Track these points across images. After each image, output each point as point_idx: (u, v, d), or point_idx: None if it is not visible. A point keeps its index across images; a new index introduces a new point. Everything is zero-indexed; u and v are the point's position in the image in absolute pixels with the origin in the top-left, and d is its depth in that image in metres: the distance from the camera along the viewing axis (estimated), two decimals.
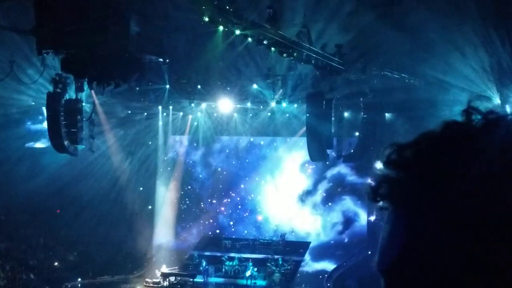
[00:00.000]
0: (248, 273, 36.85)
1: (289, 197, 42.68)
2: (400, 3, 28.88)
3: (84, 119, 31.63)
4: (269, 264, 37.79)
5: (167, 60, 26.93)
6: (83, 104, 31.12)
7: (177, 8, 25.41)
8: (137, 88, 34.98)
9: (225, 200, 44.66)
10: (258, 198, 43.91)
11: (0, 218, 37.21)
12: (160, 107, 41.12)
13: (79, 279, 36.00)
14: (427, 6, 27.94)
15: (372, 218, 38.87)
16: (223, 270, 37.70)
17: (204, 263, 37.63)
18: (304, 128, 34.10)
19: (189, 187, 45.04)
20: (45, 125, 29.75)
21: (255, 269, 37.06)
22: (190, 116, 42.36)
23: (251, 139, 43.56)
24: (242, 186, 44.48)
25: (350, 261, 38.17)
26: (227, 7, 23.27)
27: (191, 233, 43.33)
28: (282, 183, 43.20)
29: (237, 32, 24.16)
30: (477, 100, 1.26)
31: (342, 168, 40.51)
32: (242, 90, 36.46)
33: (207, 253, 39.81)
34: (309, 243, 40.86)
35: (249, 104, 38.37)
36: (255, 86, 35.46)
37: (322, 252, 39.40)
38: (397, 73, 32.47)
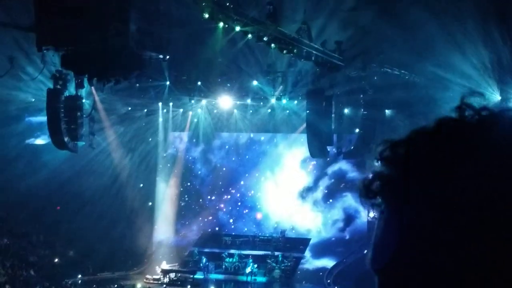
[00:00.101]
0: (248, 270, 36.89)
1: (290, 193, 42.64)
2: (400, 0, 28.86)
3: (84, 115, 31.64)
4: (269, 261, 37.82)
5: (167, 57, 26.89)
6: (83, 100, 31.14)
7: (178, 4, 25.39)
8: (137, 85, 34.95)
9: (225, 197, 44.67)
10: (258, 195, 43.90)
11: (0, 215, 37.20)
12: (160, 104, 41.11)
13: (80, 276, 36.03)
14: (427, 3, 27.91)
15: (372, 215, 38.85)
16: (223, 266, 37.73)
17: (204, 260, 37.67)
18: (304, 125, 34.08)
19: (189, 183, 45.07)
20: (45, 118, 29.72)
21: (255, 265, 37.10)
22: (190, 113, 42.35)
23: (251, 135, 43.53)
24: (242, 182, 44.49)
25: (350, 258, 38.16)
26: (227, 4, 23.26)
27: (191, 230, 43.35)
28: (283, 179, 43.16)
29: (237, 28, 24.15)
30: (470, 97, 1.25)
31: (343, 165, 40.45)
32: (242, 87, 36.46)
33: (207, 250, 39.85)
34: (309, 239, 40.89)
35: (249, 101, 38.37)
36: (255, 82, 35.44)
37: (323, 249, 39.35)
38: (397, 69, 32.45)
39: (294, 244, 40.33)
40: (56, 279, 33.94)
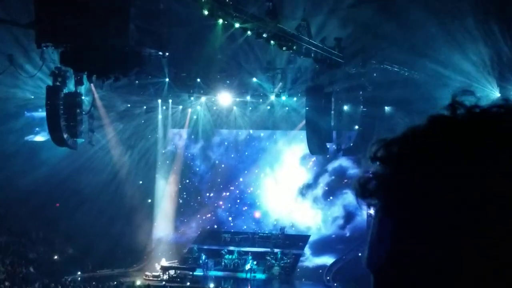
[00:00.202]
0: (247, 267, 36.91)
1: (289, 190, 42.59)
2: None
3: (84, 112, 31.64)
4: (268, 258, 37.85)
5: (167, 54, 26.91)
6: (83, 97, 31.15)
7: (177, 1, 25.38)
8: (137, 82, 34.93)
9: (224, 194, 44.62)
10: (257, 192, 43.87)
11: (0, 212, 37.22)
12: (159, 101, 41.08)
13: (79, 272, 36.07)
14: (427, 1, 27.91)
15: (372, 211, 38.86)
16: (223, 263, 37.76)
17: (203, 257, 37.70)
18: (304, 122, 34.08)
19: (188, 180, 45.05)
20: (45, 113, 29.76)
21: (255, 262, 37.12)
22: (189, 110, 42.31)
23: (251, 132, 43.48)
24: (241, 179, 44.45)
25: (350, 255, 38.16)
26: (227, 1, 23.24)
27: (190, 227, 43.35)
28: (282, 176, 43.11)
29: (237, 25, 24.13)
30: (462, 95, 1.26)
31: (343, 161, 40.38)
32: (241, 84, 36.44)
33: (206, 247, 39.87)
34: (308, 236, 40.88)
35: (248, 98, 38.33)
36: (254, 79, 35.43)
37: (323, 246, 39.27)
38: (397, 66, 32.44)
39: (294, 241, 40.33)
40: (55, 276, 33.96)
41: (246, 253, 38.08)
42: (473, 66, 29.85)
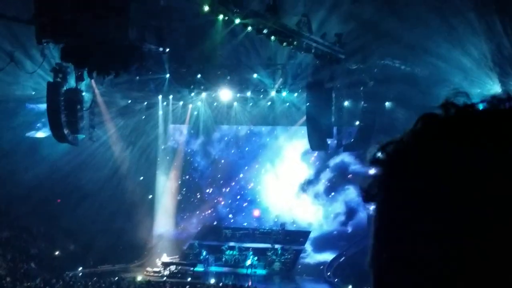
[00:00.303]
0: (248, 262, 36.95)
1: (290, 186, 42.56)
2: None
3: (84, 108, 31.63)
4: (269, 253, 37.88)
5: (167, 50, 26.88)
6: (83, 93, 31.13)
7: None
8: (137, 78, 34.92)
9: (224, 190, 44.61)
10: (258, 188, 43.86)
11: (0, 208, 37.24)
12: (160, 97, 41.06)
13: (80, 268, 36.11)
14: None
15: (373, 207, 38.84)
16: (223, 259, 37.81)
17: (204, 253, 37.74)
18: (304, 117, 34.08)
19: (189, 177, 45.06)
20: (45, 106, 29.77)
21: (255, 258, 37.15)
22: (190, 106, 42.32)
23: (251, 127, 43.43)
24: (241, 175, 44.44)
25: (350, 251, 38.19)
26: None
27: (190, 223, 43.38)
28: (283, 172, 43.07)
29: (237, 21, 24.09)
30: (455, 97, 1.26)
31: (345, 157, 40.31)
32: (242, 79, 36.42)
33: (207, 243, 39.90)
34: (309, 232, 40.90)
35: (249, 93, 38.32)
36: (255, 75, 35.41)
37: (325, 242, 39.23)
38: (397, 62, 32.41)
39: (294, 237, 40.36)
40: (56, 272, 34.01)
41: (247, 249, 38.11)
42: (474, 61, 29.81)
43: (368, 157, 1.28)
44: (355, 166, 40.39)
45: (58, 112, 28.97)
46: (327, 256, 38.19)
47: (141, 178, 43.07)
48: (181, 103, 42.26)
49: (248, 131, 43.71)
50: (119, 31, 21.79)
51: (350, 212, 40.48)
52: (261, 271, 37.19)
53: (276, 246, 38.47)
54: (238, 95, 39.03)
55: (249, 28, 24.95)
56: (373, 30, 29.73)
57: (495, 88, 30.32)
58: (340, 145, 37.15)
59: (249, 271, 36.75)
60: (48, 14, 21.85)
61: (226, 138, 44.35)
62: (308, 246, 39.66)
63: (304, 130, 33.85)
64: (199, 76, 35.24)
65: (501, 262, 1.12)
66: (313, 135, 31.73)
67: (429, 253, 1.16)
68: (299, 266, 38.26)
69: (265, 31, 24.80)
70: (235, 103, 40.93)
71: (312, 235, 40.52)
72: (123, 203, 40.67)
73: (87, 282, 31.32)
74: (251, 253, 37.37)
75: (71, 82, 29.53)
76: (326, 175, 42.00)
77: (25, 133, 40.34)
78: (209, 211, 43.95)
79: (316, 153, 40.29)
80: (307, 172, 42.61)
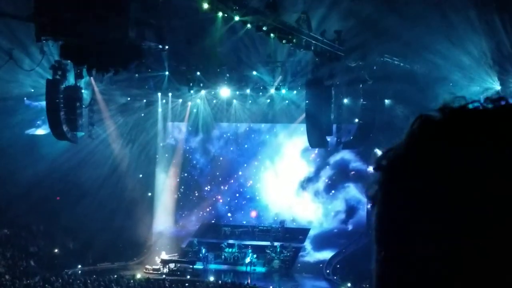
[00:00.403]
0: (247, 260, 36.96)
1: (290, 184, 42.47)
2: None
3: (84, 106, 31.63)
4: (268, 251, 37.88)
5: (167, 47, 26.85)
6: (83, 91, 31.14)
7: None
8: (137, 75, 34.92)
9: (223, 188, 44.57)
10: (257, 186, 43.81)
11: (0, 206, 37.23)
12: (159, 94, 41.06)
13: (79, 266, 36.13)
14: None
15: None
16: (223, 257, 37.81)
17: (203, 250, 37.74)
18: (303, 115, 34.08)
19: (188, 174, 45.02)
20: (44, 103, 29.78)
21: (255, 256, 37.16)
22: (189, 103, 42.31)
23: (251, 124, 43.37)
24: (240, 173, 44.39)
25: (350, 248, 38.19)
26: None
27: (190, 221, 43.37)
28: (282, 169, 42.99)
29: (237, 18, 24.08)
30: (454, 101, 1.26)
31: (346, 154, 40.25)
32: (241, 77, 36.41)
33: (206, 240, 39.90)
34: (308, 229, 40.86)
35: (248, 91, 38.31)
36: (254, 72, 35.40)
37: (325, 241, 39.14)
38: (397, 59, 32.39)
39: (294, 234, 40.35)
40: (56, 270, 34.00)
41: (246, 246, 38.12)
42: (473, 59, 29.80)
43: (372, 164, 1.28)
44: (355, 163, 40.34)
45: (57, 109, 28.98)
46: (327, 255, 38.12)
47: (141, 175, 43.08)
48: (180, 100, 42.25)
49: (247, 128, 43.63)
50: (119, 29, 21.76)
51: (351, 210, 40.41)
52: (260, 269, 37.20)
53: (276, 243, 38.46)
54: (238, 92, 39.03)
55: (249, 26, 24.94)
56: (373, 27, 29.69)
57: (495, 86, 30.32)
58: (340, 142, 37.12)
59: (248, 268, 36.76)
60: (48, 12, 21.83)
61: (225, 135, 44.29)
62: (308, 245, 39.59)
63: (303, 127, 33.82)
64: (198, 73, 35.22)
65: (500, 261, 1.11)
66: (312, 133, 31.71)
67: (428, 253, 1.16)
68: (299, 265, 38.23)
69: (264, 28, 24.79)
70: (235, 101, 40.93)
71: (312, 233, 40.45)
72: (123, 200, 40.68)
73: (87, 280, 31.31)
74: (250, 250, 37.39)
75: (70, 80, 29.53)
76: (326, 173, 41.90)
77: (24, 131, 40.31)
78: (208, 209, 43.92)
79: (316, 150, 40.16)
80: (306, 169, 42.53)
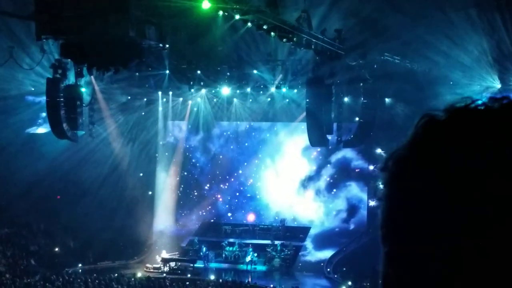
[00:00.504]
0: (248, 259, 36.97)
1: (291, 182, 42.41)
2: None
3: (84, 105, 31.63)
4: (269, 250, 37.89)
5: (167, 46, 26.84)
6: (83, 89, 31.14)
7: None
8: (137, 74, 34.91)
9: (224, 186, 44.54)
10: (258, 184, 43.78)
11: (0, 204, 37.25)
12: (160, 93, 41.05)
13: (80, 265, 36.12)
14: None
15: (373, 203, 38.83)
16: (223, 255, 37.82)
17: (204, 249, 37.74)
18: (304, 114, 34.07)
19: (188, 173, 45.02)
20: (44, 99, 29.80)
21: (255, 254, 37.17)
22: (190, 102, 42.30)
23: (251, 123, 43.32)
24: (240, 171, 44.36)
25: (350, 247, 38.20)
26: None
27: (190, 219, 43.37)
28: (283, 168, 42.94)
29: (237, 17, 24.07)
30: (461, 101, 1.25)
31: (347, 153, 40.18)
32: (242, 75, 36.38)
33: (207, 239, 39.90)
34: (309, 228, 40.86)
35: (249, 89, 38.29)
36: (255, 71, 35.38)
37: (326, 240, 39.04)
38: (397, 58, 32.38)
39: (294, 233, 40.34)
40: (56, 268, 34.01)
41: (247, 245, 38.13)
42: (474, 58, 29.80)
43: (373, 163, 1.29)
44: (357, 161, 40.28)
45: (57, 108, 28.99)
46: (328, 254, 38.03)
47: (141, 174, 43.08)
48: (181, 99, 42.25)
49: (247, 126, 43.58)
50: (119, 28, 21.76)
51: (352, 209, 40.35)
52: (261, 267, 37.21)
53: (276, 242, 38.47)
54: (238, 91, 39.01)
55: (249, 24, 24.92)
56: (373, 26, 29.69)
57: (495, 84, 30.32)
58: (340, 141, 37.09)
59: (249, 267, 36.78)
60: (48, 10, 21.83)
61: (225, 133, 44.26)
62: (309, 244, 39.54)
63: (304, 126, 33.80)
64: (199, 72, 35.20)
65: (500, 261, 1.11)
66: (313, 131, 31.70)
67: (428, 253, 1.16)
68: (300, 264, 38.18)
69: (265, 27, 24.79)
70: (235, 99, 40.92)
71: (313, 232, 40.42)
72: (123, 199, 40.70)
73: (87, 279, 31.32)
74: (251, 249, 37.39)
75: (71, 78, 29.52)
76: (328, 171, 41.80)
77: (24, 130, 40.30)
78: (208, 208, 43.92)
79: (318, 149, 40.05)
80: (307, 168, 42.47)
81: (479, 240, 1.12)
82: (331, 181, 41.67)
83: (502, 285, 1.12)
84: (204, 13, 23.66)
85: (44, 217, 38.43)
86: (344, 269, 35.64)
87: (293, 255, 38.28)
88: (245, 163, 44.07)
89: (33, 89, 35.85)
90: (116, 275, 33.16)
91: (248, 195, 43.74)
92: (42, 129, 39.39)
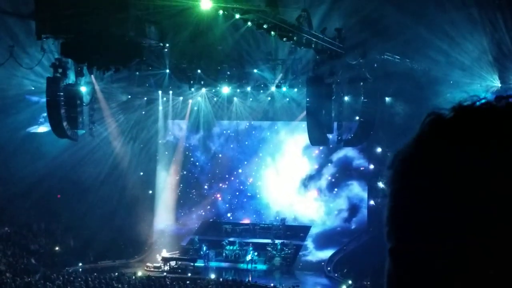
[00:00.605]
0: (248, 258, 36.96)
1: (291, 181, 42.38)
2: None
3: (84, 104, 31.64)
4: (269, 249, 37.88)
5: (167, 45, 26.86)
6: (83, 89, 31.14)
7: None
8: (137, 73, 34.91)
9: (224, 185, 44.53)
10: (258, 183, 43.77)
11: (1, 204, 37.25)
12: (160, 92, 41.04)
13: (80, 264, 36.12)
14: None
15: (373, 202, 38.84)
16: (224, 254, 37.82)
17: (204, 248, 37.74)
18: (304, 113, 34.05)
19: (188, 172, 45.02)
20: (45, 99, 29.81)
21: (256, 253, 37.17)
22: (190, 101, 42.30)
23: (251, 121, 43.29)
24: (240, 170, 44.34)
25: (351, 245, 38.19)
26: None
27: (190, 218, 43.38)
28: (284, 166, 42.90)
29: (237, 16, 24.07)
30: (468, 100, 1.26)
31: (349, 151, 40.13)
32: (242, 74, 36.35)
33: (207, 238, 39.90)
34: (309, 227, 40.85)
35: (249, 89, 38.29)
36: (255, 70, 35.37)
37: (327, 240, 38.98)
38: (398, 57, 32.37)
39: (295, 232, 40.34)
40: (57, 267, 34.03)
41: (247, 244, 38.12)
42: (474, 57, 29.78)
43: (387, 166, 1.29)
44: (359, 160, 40.23)
45: (57, 107, 29.00)
46: (330, 254, 37.98)
47: (141, 173, 43.09)
48: (181, 98, 42.25)
49: (247, 125, 43.55)
50: (120, 27, 21.78)
51: (353, 209, 40.31)
52: (261, 266, 37.21)
53: (277, 241, 38.47)
54: (238, 90, 39.01)
55: (249, 23, 24.92)
56: (373, 25, 29.67)
57: (495, 83, 30.31)
58: (340, 140, 37.08)
59: (249, 266, 36.78)
60: (48, 9, 21.84)
61: (225, 132, 44.26)
62: (310, 244, 39.50)
63: (305, 124, 33.79)
64: (199, 71, 35.19)
65: (504, 260, 1.12)
66: (313, 130, 31.69)
67: (433, 251, 1.16)
68: (301, 264, 38.14)
69: (265, 26, 24.76)
70: (235, 98, 40.92)
71: (314, 232, 40.39)
72: (123, 198, 40.70)
73: (87, 278, 31.32)
74: (251, 248, 37.39)
75: (71, 78, 29.52)
76: (329, 170, 41.74)
77: (25, 129, 40.29)
78: (208, 207, 43.92)
79: (320, 147, 39.97)
80: (308, 167, 42.43)
81: (484, 239, 1.13)
82: (333, 180, 41.62)
83: (506, 284, 1.13)
84: (204, 12, 23.67)
85: (45, 216, 38.44)
86: (345, 268, 35.62)
87: (294, 254, 38.28)
88: (245, 162, 44.07)
89: (33, 88, 35.84)
90: (116, 274, 33.17)
91: (249, 194, 43.74)
92: (43, 128, 39.37)
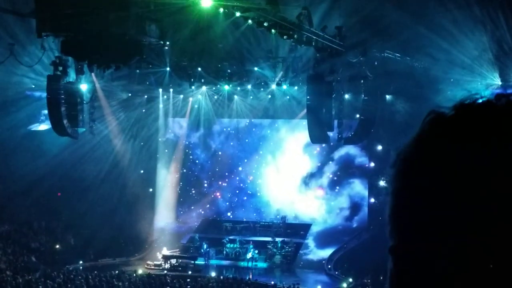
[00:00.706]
0: (249, 255, 36.97)
1: (292, 179, 42.33)
2: None
3: (85, 102, 31.64)
4: (269, 247, 37.89)
5: (168, 43, 26.84)
6: (84, 87, 31.13)
7: None
8: (138, 71, 34.90)
9: (224, 183, 44.51)
10: (258, 181, 43.75)
11: (1, 202, 37.26)
12: (160, 90, 41.03)
13: (81, 262, 36.16)
14: None
15: (373, 200, 38.82)
16: (224, 252, 37.83)
17: (205, 246, 37.75)
18: (304, 111, 34.02)
19: (189, 170, 45.01)
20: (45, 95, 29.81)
21: (256, 251, 37.17)
22: (190, 99, 42.29)
23: (252, 119, 43.25)
24: (240, 168, 44.32)
25: (351, 244, 38.18)
26: None
27: (191, 216, 43.38)
28: (284, 164, 42.85)
29: (238, 14, 24.06)
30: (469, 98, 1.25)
31: (351, 149, 40.06)
32: (242, 72, 36.34)
33: (208, 236, 39.91)
34: (310, 225, 40.85)
35: (249, 86, 38.27)
36: (255, 68, 35.35)
37: (328, 238, 38.93)
38: (398, 55, 32.36)
39: (295, 230, 40.34)
40: (57, 265, 34.04)
41: (248, 242, 38.13)
42: (474, 55, 29.77)
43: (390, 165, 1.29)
44: (360, 158, 40.18)
45: (58, 105, 28.99)
46: (330, 252, 37.96)
47: (142, 171, 43.09)
48: (181, 96, 42.24)
49: (248, 122, 43.50)
50: (120, 25, 21.76)
51: (355, 207, 40.25)
52: (261, 264, 37.23)
53: (277, 239, 38.47)
54: (239, 88, 39.00)
55: (250, 21, 24.90)
56: (374, 23, 29.66)
57: (496, 81, 30.29)
58: (341, 138, 37.06)
59: (250, 264, 36.79)
60: (49, 8, 21.82)
61: (225, 129, 44.23)
62: (311, 242, 39.46)
63: (305, 122, 33.77)
64: (199, 69, 35.19)
65: (505, 258, 1.11)
66: (313, 128, 31.67)
67: (434, 250, 1.16)
68: (302, 263, 38.10)
69: (265, 24, 24.74)
70: (236, 96, 40.90)
71: (315, 230, 40.36)
72: (124, 196, 40.70)
73: (88, 276, 31.33)
74: (251, 246, 37.40)
75: (71, 76, 29.51)
76: (331, 168, 41.66)
77: (25, 127, 40.30)
78: (208, 205, 43.91)
79: (321, 145, 39.88)
80: (309, 164, 42.37)
81: (485, 238, 1.12)
82: (334, 178, 41.56)
83: (507, 283, 1.12)
84: (204, 10, 23.65)
85: (45, 214, 38.46)
86: (345, 265, 35.63)
87: (294, 252, 38.29)
88: (246, 160, 44.05)
89: (33, 86, 35.83)
90: (117, 272, 33.18)
91: (249, 192, 43.72)
92: (44, 126, 39.37)
